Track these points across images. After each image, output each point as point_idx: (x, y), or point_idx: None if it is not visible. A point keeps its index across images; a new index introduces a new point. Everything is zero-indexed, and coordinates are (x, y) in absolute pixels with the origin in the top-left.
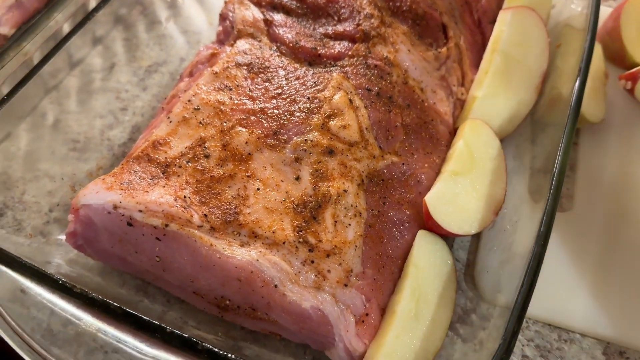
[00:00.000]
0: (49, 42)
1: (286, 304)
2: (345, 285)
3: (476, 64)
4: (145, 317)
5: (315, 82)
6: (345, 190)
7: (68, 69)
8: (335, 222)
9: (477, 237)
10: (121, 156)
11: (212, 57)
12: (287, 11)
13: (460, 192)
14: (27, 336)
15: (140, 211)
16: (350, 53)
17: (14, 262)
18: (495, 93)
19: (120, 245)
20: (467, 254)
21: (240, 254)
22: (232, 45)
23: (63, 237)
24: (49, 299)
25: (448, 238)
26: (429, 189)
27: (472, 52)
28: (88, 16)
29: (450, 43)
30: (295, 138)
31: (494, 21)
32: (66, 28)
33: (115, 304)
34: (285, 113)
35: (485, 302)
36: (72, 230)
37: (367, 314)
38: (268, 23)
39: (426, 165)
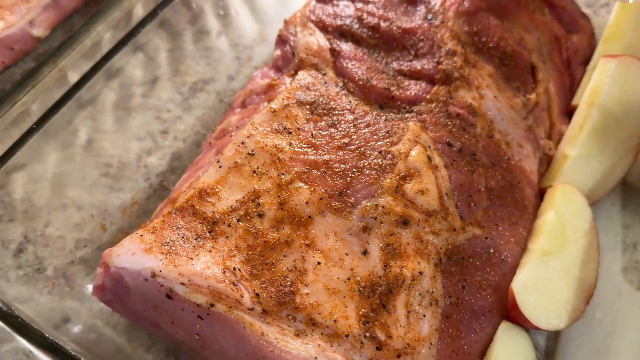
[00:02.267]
0: (87, 53)
1: None
2: None
3: (564, 111)
4: None
5: (388, 132)
6: (420, 273)
7: (105, 79)
8: (408, 312)
9: None
10: (159, 188)
11: (270, 89)
12: (356, 40)
13: (550, 276)
14: None
15: (182, 284)
16: (428, 97)
17: (23, 327)
18: (590, 153)
19: (154, 311)
20: (546, 340)
21: (296, 347)
22: (292, 76)
23: (87, 282)
24: None
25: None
26: (514, 269)
27: (560, 96)
28: (133, 32)
29: (539, 88)
30: (364, 202)
31: (585, 62)
32: (107, 36)
33: None
34: (353, 169)
35: None
36: (100, 284)
37: None
38: (335, 53)
39: (512, 239)
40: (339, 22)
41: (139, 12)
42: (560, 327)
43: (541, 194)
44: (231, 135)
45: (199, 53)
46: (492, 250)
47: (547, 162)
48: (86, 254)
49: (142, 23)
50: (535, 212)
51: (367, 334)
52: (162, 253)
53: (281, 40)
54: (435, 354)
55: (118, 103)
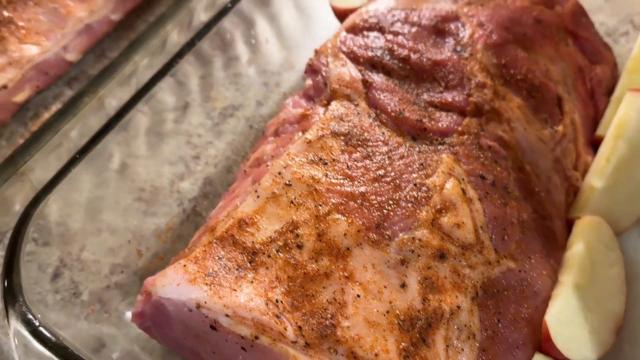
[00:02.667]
0: (124, 81)
1: None
2: None
3: (588, 141)
4: None
5: (422, 164)
6: (458, 307)
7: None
8: (447, 346)
9: None
10: (192, 214)
11: (303, 119)
12: (387, 71)
13: (581, 309)
14: None
15: (227, 315)
16: (460, 129)
17: (65, 352)
18: (616, 185)
19: (195, 340)
20: None
21: None
22: (325, 106)
23: (123, 307)
24: None
25: None
26: (546, 302)
27: (584, 127)
28: (171, 62)
29: (566, 119)
30: (401, 235)
31: (608, 93)
32: (144, 63)
33: None
34: (389, 201)
35: None
36: (140, 311)
37: None
38: (367, 85)
39: (544, 272)
40: (370, 54)
41: (174, 39)
42: (592, 359)
43: (568, 225)
44: (267, 165)
45: (229, 79)
46: (525, 283)
47: (573, 193)
48: (122, 279)
49: (180, 53)
50: (565, 243)
51: None
52: (206, 284)
53: (312, 70)
54: None
55: (151, 128)
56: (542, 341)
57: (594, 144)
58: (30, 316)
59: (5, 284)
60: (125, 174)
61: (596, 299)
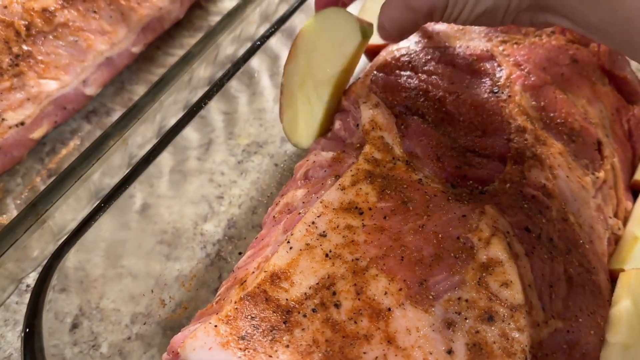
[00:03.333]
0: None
1: None
2: None
3: (627, 186)
4: None
5: (464, 215)
6: None
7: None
8: None
9: None
10: (216, 258)
11: (335, 162)
12: (422, 114)
13: None
14: None
15: None
16: (501, 177)
17: None
18: None
19: None
20: None
21: None
22: (357, 149)
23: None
24: None
25: None
26: None
27: (623, 171)
28: (199, 104)
29: (606, 164)
30: (446, 295)
31: None
32: (169, 101)
33: None
34: (431, 257)
35: None
36: None
37: None
38: (402, 128)
39: (592, 331)
40: (403, 95)
41: (200, 74)
42: None
43: (611, 277)
44: (299, 213)
45: (253, 115)
46: (573, 344)
47: (614, 242)
48: (144, 329)
49: (209, 94)
50: (610, 298)
51: None
52: (240, 349)
53: (342, 110)
54: None
55: (174, 167)
56: None
57: (633, 188)
58: None
59: (25, 349)
60: (147, 215)
61: None
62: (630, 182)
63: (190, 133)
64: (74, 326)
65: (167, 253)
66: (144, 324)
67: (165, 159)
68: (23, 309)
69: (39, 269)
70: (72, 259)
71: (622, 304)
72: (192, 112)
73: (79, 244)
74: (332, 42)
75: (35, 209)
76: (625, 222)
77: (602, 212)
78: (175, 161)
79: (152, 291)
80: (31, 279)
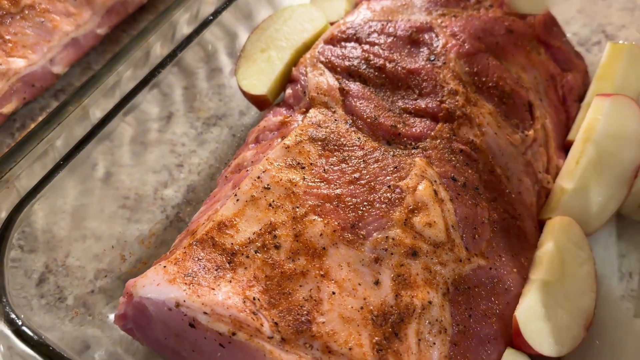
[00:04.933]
0: (107, 92)
1: None
2: None
3: (560, 146)
4: None
5: (396, 167)
6: (430, 302)
7: (122, 115)
8: (419, 340)
9: None
10: (175, 220)
11: (282, 126)
12: (364, 80)
13: (551, 305)
14: None
15: (205, 313)
16: (433, 134)
17: (53, 355)
18: (586, 186)
19: (175, 339)
20: None
21: None
22: (303, 114)
23: (107, 311)
24: None
25: (532, 356)
26: (516, 298)
27: (556, 132)
28: (153, 72)
29: (536, 124)
30: (375, 234)
31: (579, 99)
32: (127, 75)
33: None
34: (364, 203)
35: None
36: (122, 313)
37: None
38: (344, 93)
39: (514, 269)
40: (347, 63)
41: (157, 52)
42: (562, 353)
43: (540, 226)
44: (247, 170)
45: (212, 90)
46: (496, 280)
47: (545, 195)
48: (106, 283)
49: (162, 64)
50: (536, 242)
51: None
52: (185, 284)
53: (292, 80)
54: None
55: (135, 138)
56: (513, 336)
57: (566, 149)
58: (13, 316)
59: None
60: (110, 182)
61: (566, 296)
62: (564, 142)
63: (150, 107)
64: (41, 281)
65: (129, 216)
66: (106, 276)
67: (126, 130)
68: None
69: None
70: (39, 222)
71: (546, 247)
72: (146, 79)
73: (46, 206)
74: (301, 22)
75: None
76: (556, 178)
77: (532, 167)
78: (136, 132)
79: (113, 247)
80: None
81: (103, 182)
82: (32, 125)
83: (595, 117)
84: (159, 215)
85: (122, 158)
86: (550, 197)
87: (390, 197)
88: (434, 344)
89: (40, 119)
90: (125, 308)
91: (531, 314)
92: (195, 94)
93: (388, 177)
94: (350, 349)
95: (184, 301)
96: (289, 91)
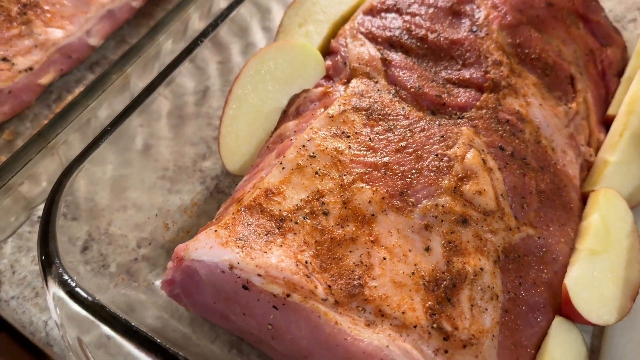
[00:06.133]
0: (149, 63)
1: None
2: None
3: (600, 121)
4: None
5: (442, 136)
6: (481, 269)
7: (161, 88)
8: (472, 305)
9: None
10: (215, 191)
11: (324, 96)
12: (405, 50)
13: (598, 275)
14: None
15: (259, 275)
16: (478, 104)
17: (101, 311)
18: (630, 159)
19: (225, 303)
20: (592, 338)
21: (368, 336)
22: (345, 84)
23: (151, 277)
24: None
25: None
26: (564, 268)
27: (596, 106)
28: (192, 46)
29: (579, 97)
30: (424, 202)
31: (618, 74)
32: (167, 47)
33: None
34: (412, 171)
35: None
36: (170, 279)
37: None
38: (386, 63)
39: (562, 239)
40: (388, 34)
41: (195, 25)
42: (610, 322)
43: (583, 199)
44: (290, 139)
45: None
46: (544, 250)
47: (587, 168)
48: (149, 252)
49: (201, 37)
50: (580, 214)
51: (434, 325)
52: (238, 247)
53: (331, 51)
54: (497, 345)
55: (172, 111)
56: (562, 304)
57: (606, 124)
58: (66, 277)
59: (43, 248)
60: (149, 154)
61: (612, 266)
62: (604, 117)
63: (186, 81)
64: (85, 249)
65: (169, 187)
66: (150, 244)
67: (163, 103)
68: (35, 237)
69: None
70: (82, 190)
71: (591, 218)
72: (188, 49)
73: (87, 176)
74: None
75: (43, 135)
76: (597, 151)
77: (575, 140)
78: (173, 106)
79: (157, 215)
80: (41, 212)
81: (142, 154)
82: (69, 97)
83: (639, 89)
84: (199, 187)
85: (160, 131)
86: (593, 170)
87: (438, 165)
88: (486, 309)
89: (77, 91)
90: (174, 273)
91: (580, 283)
92: (231, 69)
93: (435, 146)
94: (403, 312)
95: (238, 263)
96: (328, 63)
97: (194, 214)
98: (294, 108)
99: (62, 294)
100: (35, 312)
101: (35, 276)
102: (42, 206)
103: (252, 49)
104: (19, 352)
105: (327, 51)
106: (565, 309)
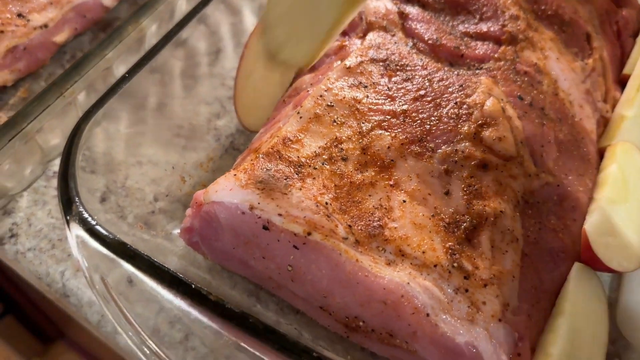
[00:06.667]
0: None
1: (437, 336)
2: (500, 320)
3: (616, 80)
4: (283, 333)
5: (461, 86)
6: (502, 212)
7: (172, 49)
8: (492, 247)
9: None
10: (230, 148)
11: (340, 50)
12: (422, 5)
13: (617, 222)
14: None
15: (279, 215)
16: (496, 56)
17: (126, 250)
18: None
19: (244, 247)
20: (609, 291)
21: (389, 274)
22: (361, 38)
23: (169, 228)
24: (158, 294)
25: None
26: (583, 216)
27: (612, 65)
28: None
29: (595, 54)
30: (443, 147)
31: (634, 34)
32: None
33: (254, 317)
34: (431, 118)
35: (635, 349)
36: (188, 226)
37: (519, 354)
38: (403, 16)
39: (580, 188)
40: None
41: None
42: (629, 269)
43: (599, 154)
44: (307, 91)
45: None
46: (563, 197)
47: (603, 125)
48: (166, 204)
49: None
50: (598, 167)
51: (455, 264)
52: (258, 189)
53: None
54: (517, 287)
55: (185, 71)
56: (582, 251)
57: (622, 83)
58: (86, 215)
59: (63, 187)
60: (163, 112)
61: (630, 215)
62: (620, 76)
63: (198, 42)
64: (103, 200)
65: (184, 144)
66: (167, 196)
67: (175, 64)
68: (50, 191)
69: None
70: (99, 145)
71: (609, 169)
72: (195, 10)
73: (103, 131)
74: None
75: (59, 84)
76: (613, 108)
77: (591, 96)
78: (186, 66)
79: (173, 168)
80: (57, 166)
81: (156, 111)
82: None
83: None
84: (214, 144)
85: (173, 90)
86: (609, 125)
87: (457, 112)
88: (507, 251)
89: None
90: (192, 220)
91: (600, 230)
92: (242, 30)
93: (454, 94)
94: (423, 252)
95: (258, 203)
96: None
97: (209, 168)
98: None
99: (83, 232)
100: (51, 264)
101: (51, 229)
102: (56, 161)
103: (264, 9)
104: (24, 336)
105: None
106: (584, 255)
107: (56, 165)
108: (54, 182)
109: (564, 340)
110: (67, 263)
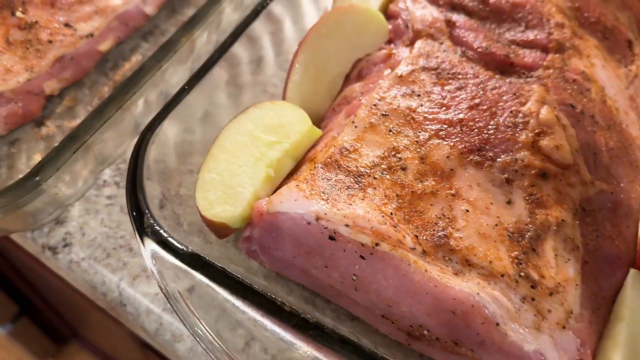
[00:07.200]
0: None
1: (506, 345)
2: (564, 328)
3: None
4: (359, 344)
5: (515, 94)
6: (563, 220)
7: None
8: (556, 255)
9: None
10: None
11: (388, 58)
12: (468, 13)
13: None
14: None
15: (347, 225)
16: (545, 64)
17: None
18: None
19: (306, 257)
20: None
21: (458, 284)
22: (408, 46)
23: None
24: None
25: None
26: (636, 223)
27: None
28: (262, 3)
29: (637, 60)
30: (503, 156)
31: None
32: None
33: (325, 326)
34: (488, 127)
35: None
36: (248, 235)
37: None
38: (450, 24)
39: (632, 195)
40: None
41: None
42: None
43: None
44: (359, 100)
45: (298, 34)
46: (617, 204)
47: None
48: None
49: (255, 12)
50: None
51: (522, 274)
52: (323, 199)
53: (391, 15)
54: (580, 294)
55: (228, 80)
56: (637, 258)
57: None
58: (157, 227)
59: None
60: (209, 121)
61: None
62: None
63: (240, 51)
64: (161, 207)
65: None
66: None
67: (220, 74)
68: (102, 200)
69: (113, 167)
70: (153, 152)
71: None
72: (255, 12)
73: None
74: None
75: (118, 99)
76: None
77: (635, 102)
78: (229, 76)
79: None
80: (107, 176)
81: (203, 121)
82: (126, 65)
83: None
84: None
85: (218, 99)
86: None
87: (513, 121)
88: (569, 260)
89: (133, 58)
90: (251, 230)
91: None
92: (282, 39)
93: (509, 103)
94: (490, 262)
95: (325, 214)
96: (388, 27)
97: None
98: (356, 71)
99: (155, 246)
100: (106, 273)
101: (105, 238)
102: (107, 170)
103: (301, 19)
104: (38, 337)
105: (385, 15)
106: (639, 262)
107: (106, 174)
108: (105, 191)
109: (624, 346)
110: (124, 272)
